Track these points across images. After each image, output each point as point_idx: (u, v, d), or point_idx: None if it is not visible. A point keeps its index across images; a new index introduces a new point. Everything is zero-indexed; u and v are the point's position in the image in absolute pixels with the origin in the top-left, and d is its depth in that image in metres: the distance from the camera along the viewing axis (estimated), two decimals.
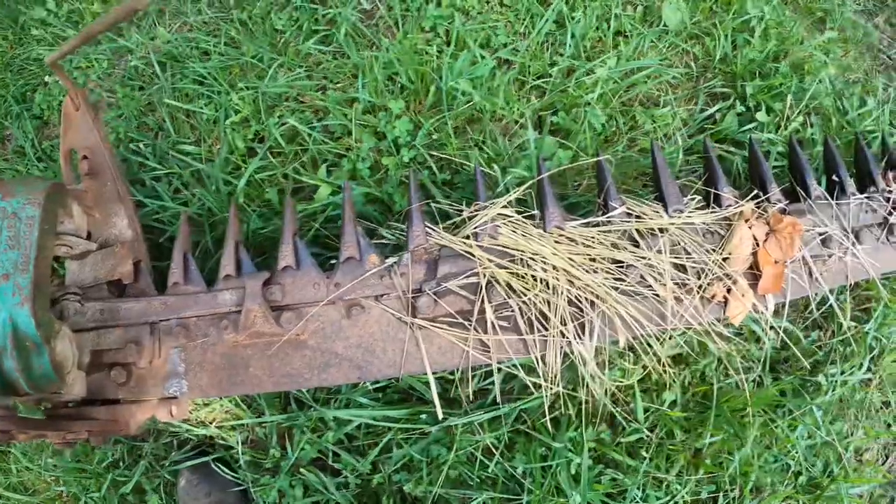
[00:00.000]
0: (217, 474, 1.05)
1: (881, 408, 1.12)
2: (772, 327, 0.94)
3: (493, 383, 0.90)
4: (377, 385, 0.92)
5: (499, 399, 0.82)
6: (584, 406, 0.86)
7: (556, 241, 0.83)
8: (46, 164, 1.26)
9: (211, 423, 1.04)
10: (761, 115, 1.04)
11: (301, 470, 0.92)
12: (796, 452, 0.99)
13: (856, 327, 1.03)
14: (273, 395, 0.98)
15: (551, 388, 0.79)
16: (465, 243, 0.80)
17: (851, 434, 1.08)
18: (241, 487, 1.03)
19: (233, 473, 1.02)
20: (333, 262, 0.84)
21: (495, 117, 0.98)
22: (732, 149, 1.04)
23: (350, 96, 1.00)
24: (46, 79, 1.34)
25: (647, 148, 1.01)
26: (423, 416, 0.87)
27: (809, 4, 1.19)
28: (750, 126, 1.04)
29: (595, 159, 0.86)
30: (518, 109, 0.98)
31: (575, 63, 1.01)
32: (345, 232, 0.83)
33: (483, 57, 1.00)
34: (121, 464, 1.10)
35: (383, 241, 0.86)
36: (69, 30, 1.35)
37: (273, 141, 1.01)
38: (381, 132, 0.97)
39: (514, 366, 0.80)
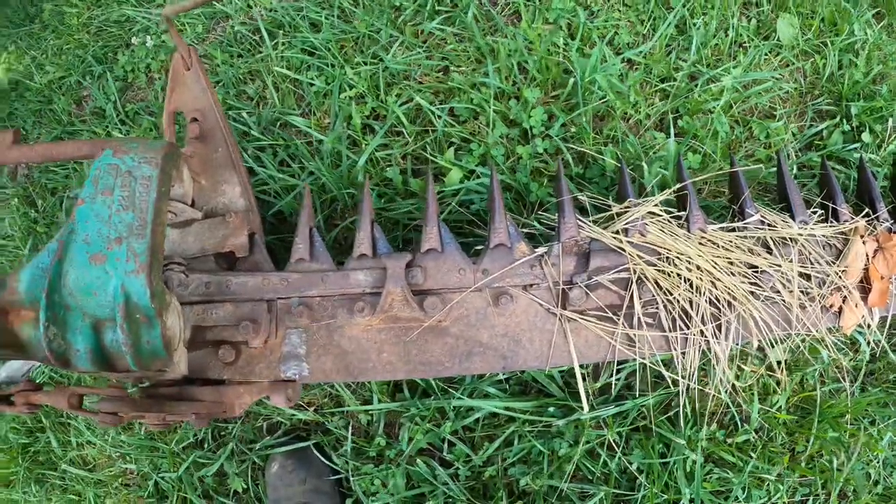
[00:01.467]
0: (313, 461, 1.03)
1: None
2: (873, 340, 0.99)
3: (616, 379, 0.92)
4: (497, 378, 0.92)
5: (637, 394, 0.83)
6: (709, 404, 0.89)
7: (700, 243, 0.85)
8: (129, 126, 1.20)
9: (309, 407, 1.02)
10: (865, 136, 1.09)
11: (416, 460, 0.92)
12: (878, 462, 1.05)
13: None
14: (385, 381, 0.97)
15: (687, 384, 0.82)
16: (616, 238, 0.81)
17: None
18: (339, 476, 1.01)
19: (331, 460, 1.00)
20: (478, 248, 0.84)
21: (624, 116, 0.99)
22: (838, 166, 1.08)
23: (478, 80, 0.99)
24: (133, 40, 1.28)
25: (761, 158, 1.04)
26: (551, 409, 0.88)
27: None
28: (854, 145, 1.09)
29: (736, 168, 0.89)
30: (644, 110, 1.00)
31: (699, 69, 1.04)
32: (495, 218, 0.82)
33: (610, 56, 1.01)
34: (204, 445, 1.07)
35: (524, 230, 0.86)
36: None
37: (395, 119, 0.99)
38: (512, 119, 0.97)
39: (657, 361, 0.81)
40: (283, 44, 1.12)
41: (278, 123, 1.07)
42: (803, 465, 0.99)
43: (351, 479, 0.99)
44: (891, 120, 1.14)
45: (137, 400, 0.82)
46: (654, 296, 0.82)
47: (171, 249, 0.95)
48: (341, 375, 0.87)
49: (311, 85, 1.08)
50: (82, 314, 0.69)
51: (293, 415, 1.04)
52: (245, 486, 1.07)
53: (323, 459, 1.01)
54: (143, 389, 0.88)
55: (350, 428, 0.99)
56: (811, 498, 1.01)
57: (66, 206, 1.25)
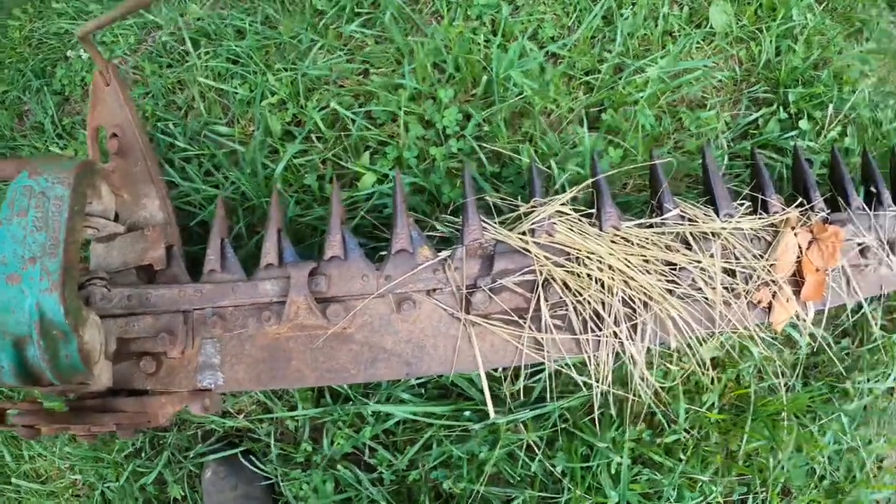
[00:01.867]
0: (244, 467, 1.04)
1: None
2: (810, 334, 0.96)
3: (535, 381, 0.91)
4: (418, 381, 0.92)
5: (548, 398, 0.82)
6: (628, 406, 0.87)
7: (612, 241, 0.83)
8: (66, 141, 1.21)
9: (239, 414, 1.02)
10: (804, 123, 1.05)
11: (336, 465, 0.92)
12: (822, 457, 1.02)
13: (884, 337, 1.06)
14: (307, 388, 0.96)
15: (601, 388, 0.80)
16: (522, 239, 0.80)
17: (872, 441, 1.12)
18: (269, 481, 1.01)
19: (260, 467, 1.00)
20: (382, 253, 0.83)
21: (544, 111, 0.97)
22: (774, 155, 1.05)
23: (395, 82, 0.98)
24: (69, 53, 1.29)
25: (691, 150, 1.02)
26: (467, 413, 0.87)
27: (849, 14, 1.21)
28: (792, 133, 1.06)
29: (651, 162, 0.87)
30: (566, 105, 0.98)
31: (624, 61, 1.02)
32: (396, 223, 0.81)
33: (532, 49, 0.99)
34: (142, 454, 1.08)
35: (432, 234, 0.85)
36: (92, 3, 1.29)
37: (312, 125, 0.99)
38: (428, 120, 0.96)
39: (567, 365, 0.80)
40: (208, 53, 1.11)
41: (203, 133, 1.07)
42: (741, 463, 0.97)
43: (281, 484, 1.00)
44: (831, 106, 1.10)
45: (55, 413, 0.83)
46: (562, 297, 0.81)
47: (96, 264, 0.95)
48: (254, 384, 0.86)
49: (236, 93, 1.08)
50: (3, 332, 0.71)
51: (224, 422, 1.04)
52: (183, 494, 1.07)
53: (252, 466, 1.01)
54: (70, 402, 0.89)
55: (277, 434, 0.99)
56: (750, 496, 0.99)
57: None
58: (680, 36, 1.07)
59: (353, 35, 1.05)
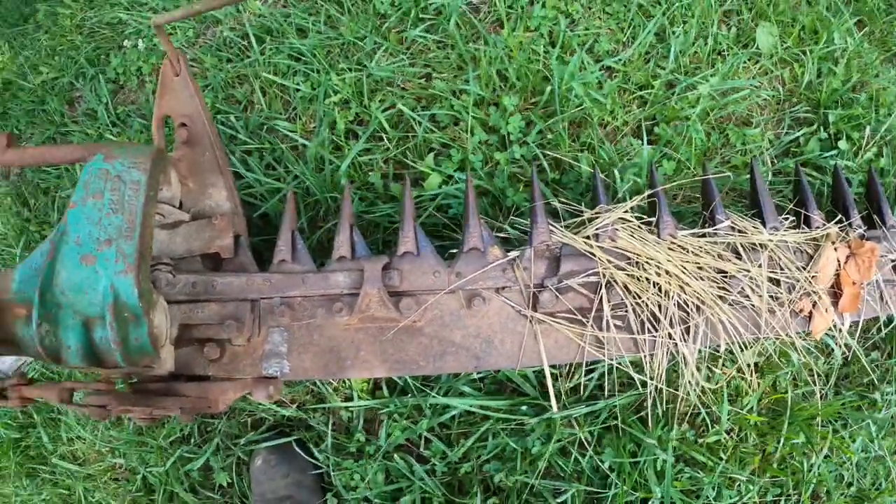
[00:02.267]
0: (295, 456, 1.07)
1: None
2: (845, 344, 1.02)
3: (588, 380, 0.95)
4: (472, 377, 0.96)
5: (605, 394, 0.86)
6: (679, 404, 0.91)
7: (670, 248, 0.88)
8: (120, 128, 1.24)
9: (292, 404, 1.06)
10: (842, 143, 1.11)
11: (394, 456, 0.95)
12: (850, 464, 1.07)
13: None
14: (364, 378, 1.00)
15: (655, 385, 0.84)
16: (587, 243, 0.84)
17: None
18: (320, 470, 1.05)
19: (310, 457, 1.04)
20: (452, 251, 0.87)
21: (601, 123, 1.02)
22: (814, 173, 1.11)
23: (459, 87, 1.02)
24: (125, 43, 1.32)
25: (737, 165, 1.07)
26: (524, 408, 0.91)
27: (885, 38, 1.27)
28: (831, 153, 1.11)
29: (707, 176, 0.92)
30: (622, 118, 1.03)
31: (676, 77, 1.07)
32: (469, 222, 0.86)
33: (589, 63, 1.04)
34: (191, 440, 1.11)
35: (499, 234, 0.89)
36: None
37: (377, 124, 1.03)
38: (491, 126, 1.00)
39: (625, 363, 0.84)
40: (271, 49, 1.15)
41: (265, 128, 1.10)
42: (775, 465, 1.02)
43: (332, 473, 1.03)
44: (868, 128, 1.16)
45: (125, 394, 0.86)
46: (622, 299, 0.85)
47: (159, 250, 0.98)
48: (320, 373, 0.90)
49: (297, 90, 1.12)
50: (73, 312, 0.72)
51: (277, 411, 1.07)
52: (230, 481, 1.10)
53: (304, 455, 1.05)
54: (132, 385, 0.91)
55: (331, 424, 1.03)
56: (783, 499, 1.04)
57: (59, 206, 1.29)
58: (728, 55, 1.12)
59: (415, 40, 1.09)
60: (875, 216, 1.09)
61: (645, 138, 0.99)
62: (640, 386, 0.86)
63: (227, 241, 0.94)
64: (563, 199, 0.89)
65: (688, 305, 0.87)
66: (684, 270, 0.87)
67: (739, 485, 0.99)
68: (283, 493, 1.07)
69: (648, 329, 0.85)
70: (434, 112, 1.02)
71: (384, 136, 1.03)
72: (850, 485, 1.10)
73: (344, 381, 1.03)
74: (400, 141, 1.03)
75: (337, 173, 1.00)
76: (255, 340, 0.90)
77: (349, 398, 1.01)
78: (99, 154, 0.80)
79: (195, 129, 1.02)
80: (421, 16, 1.11)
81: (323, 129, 1.05)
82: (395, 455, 0.96)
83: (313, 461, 1.04)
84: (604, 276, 0.84)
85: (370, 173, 1.00)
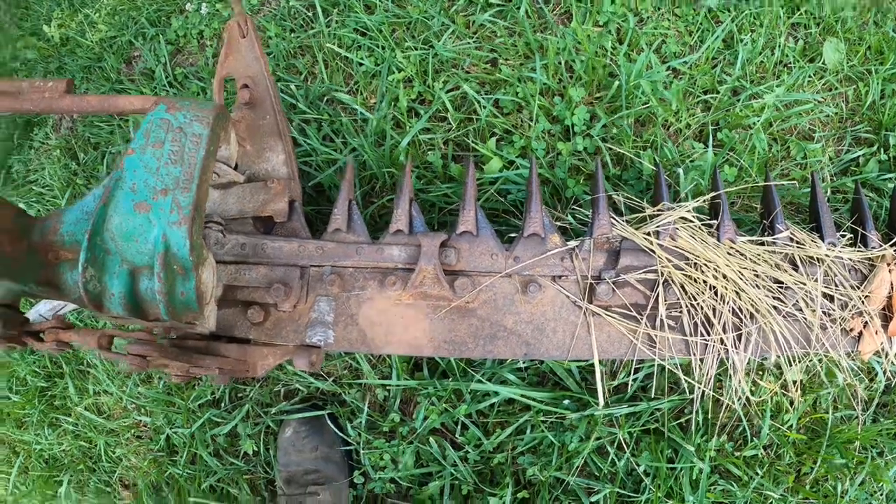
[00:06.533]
0: (326, 430, 1.10)
1: None
2: (890, 370, 1.04)
3: (634, 379, 0.98)
4: (517, 366, 0.98)
5: (653, 394, 0.89)
6: (722, 412, 0.94)
7: (728, 253, 0.91)
8: (177, 89, 1.29)
9: (328, 377, 1.09)
10: None
11: (429, 439, 0.98)
12: (882, 494, 1.10)
13: None
14: (405, 358, 1.03)
15: (703, 390, 0.87)
16: (647, 239, 0.87)
17: None
18: (349, 447, 1.08)
19: (341, 432, 1.07)
20: (511, 235, 0.90)
21: (665, 123, 1.05)
22: (871, 193, 1.14)
23: (525, 75, 1.06)
24: (187, 6, 1.36)
25: (796, 178, 1.10)
26: (566, 402, 0.94)
27: None
28: (889, 175, 1.14)
29: (771, 183, 0.95)
30: (685, 119, 1.06)
31: (742, 84, 1.10)
32: (531, 208, 0.89)
33: (656, 63, 1.07)
34: (220, 404, 1.14)
35: (558, 223, 0.92)
36: None
37: (440, 105, 1.06)
38: (555, 116, 1.03)
39: (674, 365, 0.87)
40: (336, 22, 1.19)
41: (325, 99, 1.14)
42: (808, 487, 1.04)
43: (361, 451, 1.06)
44: None
45: (167, 347, 0.89)
46: (678, 299, 0.88)
47: (210, 209, 1.02)
48: (366, 346, 0.93)
49: (361, 65, 1.16)
50: (121, 259, 0.75)
51: (311, 383, 1.10)
52: (256, 449, 1.14)
53: (336, 430, 1.07)
54: (171, 341, 0.94)
55: (367, 401, 1.06)
56: None
57: (108, 162, 1.33)
58: (794, 68, 1.15)
59: (483, 24, 1.13)
60: None
61: (710, 142, 1.02)
62: (686, 391, 0.89)
63: (281, 205, 0.98)
64: (624, 194, 0.92)
65: (742, 312, 0.90)
66: (741, 276, 0.90)
67: (771, 502, 1.02)
68: (310, 467, 1.11)
69: (701, 332, 0.88)
70: (498, 97, 1.05)
71: (447, 116, 1.07)
72: None
73: (384, 359, 1.06)
74: (462, 123, 1.06)
75: (396, 150, 1.04)
76: (300, 307, 0.93)
77: (387, 376, 1.05)
78: (162, 104, 0.83)
79: (257, 92, 1.06)
80: (490, 1, 1.15)
81: (384, 104, 1.08)
82: (430, 439, 0.99)
83: (343, 437, 1.08)
84: (662, 274, 0.87)
85: (429, 152, 1.04)
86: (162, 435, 1.21)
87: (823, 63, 1.22)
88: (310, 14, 1.24)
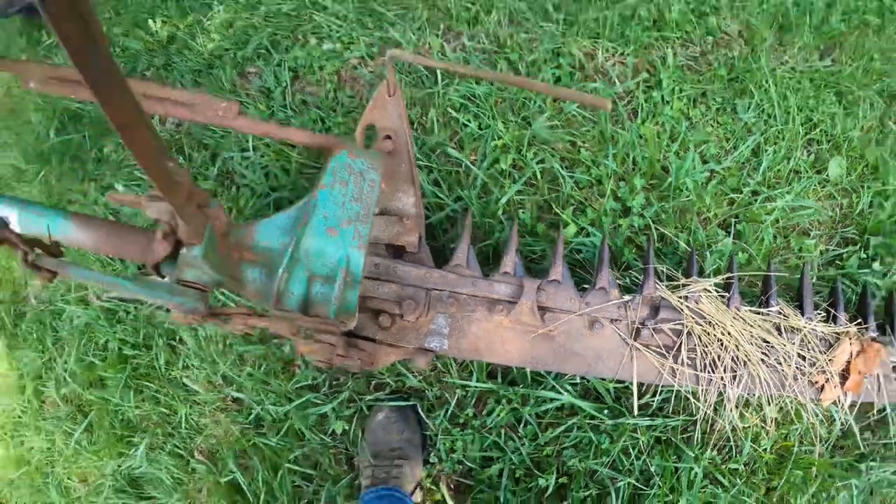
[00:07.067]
0: (411, 418, 1.69)
1: None
2: (845, 416, 1.74)
3: (654, 400, 1.64)
4: (572, 381, 1.64)
5: (670, 411, 1.56)
6: (715, 433, 1.62)
7: (734, 317, 1.58)
8: (293, 112, 1.88)
9: (417, 376, 1.72)
10: (876, 265, 1.83)
11: (500, 432, 1.62)
12: None
13: None
14: (484, 365, 1.67)
15: (706, 412, 1.54)
16: (679, 301, 1.54)
17: None
18: (426, 433, 1.70)
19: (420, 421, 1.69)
20: (584, 286, 1.56)
21: (699, 212, 1.73)
22: (848, 282, 1.83)
23: (599, 160, 1.72)
24: (311, 39, 1.96)
25: (791, 266, 1.80)
26: (605, 412, 1.60)
27: None
28: (866, 270, 1.84)
29: (770, 273, 1.64)
30: (714, 210, 1.74)
31: (761, 188, 1.79)
32: (602, 269, 1.52)
33: (699, 162, 1.76)
34: (320, 389, 1.75)
35: (618, 281, 1.59)
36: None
37: (531, 173, 1.71)
38: (619, 196, 1.70)
39: (689, 391, 1.54)
40: (450, 85, 1.82)
41: (437, 151, 1.78)
42: (774, 500, 1.72)
43: (438, 437, 1.68)
44: None
45: (347, 339, 1.48)
46: (696, 346, 1.55)
47: None
48: (471, 355, 1.53)
49: (466, 126, 1.79)
50: (306, 269, 1.33)
51: (401, 379, 1.72)
52: (345, 429, 1.74)
53: (421, 417, 1.70)
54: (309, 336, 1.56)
55: (455, 398, 1.68)
56: None
57: (219, 165, 1.91)
58: (804, 177, 1.84)
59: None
60: (888, 327, 1.83)
61: (733, 232, 1.70)
62: (694, 411, 1.56)
63: (413, 239, 1.57)
64: (666, 266, 1.60)
65: (738, 360, 1.57)
66: (741, 334, 1.58)
67: None
68: (395, 445, 1.69)
69: (708, 371, 1.55)
70: (576, 176, 1.71)
71: (535, 183, 1.72)
72: None
73: (466, 366, 1.70)
74: (548, 190, 1.72)
75: (496, 204, 1.68)
76: (422, 320, 1.53)
77: (466, 379, 1.68)
78: (344, 150, 1.41)
79: (398, 143, 1.67)
80: None
81: (486, 164, 1.73)
82: (501, 431, 1.63)
83: (422, 424, 1.70)
84: (686, 326, 1.54)
85: (521, 211, 1.68)
86: (253, 411, 1.80)
87: (828, 176, 1.92)
88: (428, 74, 1.87)
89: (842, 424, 1.67)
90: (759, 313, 1.56)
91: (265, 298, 1.19)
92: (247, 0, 2.15)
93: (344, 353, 1.34)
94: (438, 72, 1.74)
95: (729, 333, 1.50)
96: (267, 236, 1.23)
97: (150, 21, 2.35)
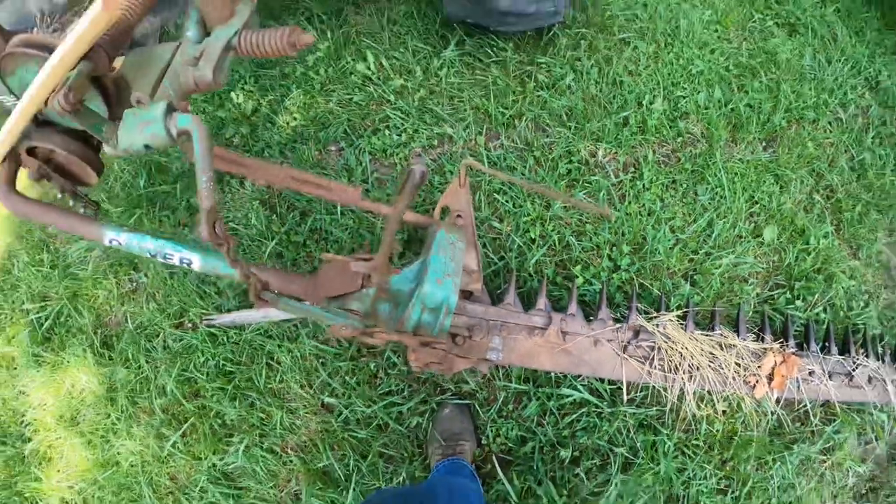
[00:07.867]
0: (468, 412, 2.51)
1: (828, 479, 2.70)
2: (774, 408, 2.52)
3: (637, 394, 2.44)
4: (582, 381, 2.45)
5: (648, 403, 2.37)
6: (679, 418, 2.42)
7: (690, 338, 2.40)
8: (372, 188, 2.74)
9: (469, 383, 2.54)
10: (799, 303, 2.63)
11: (533, 419, 2.43)
12: (773, 485, 2.56)
13: (819, 426, 2.61)
14: (521, 369, 2.48)
15: (672, 401, 2.33)
16: (653, 327, 2.36)
17: (797, 487, 2.65)
18: (477, 423, 2.51)
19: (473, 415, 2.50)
20: (590, 318, 2.39)
21: (667, 267, 2.57)
22: (777, 315, 2.63)
23: (599, 231, 2.57)
24: (384, 129, 2.84)
25: (734, 304, 2.61)
26: (605, 403, 2.40)
27: (850, 239, 2.83)
28: (791, 306, 2.64)
29: (716, 308, 2.45)
30: (677, 266, 2.57)
31: (712, 250, 2.62)
32: (602, 308, 2.35)
33: (668, 232, 2.60)
34: (398, 394, 2.55)
35: (613, 315, 2.43)
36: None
37: (552, 241, 2.56)
38: (612, 257, 2.55)
39: (662, 388, 2.34)
40: (494, 177, 2.69)
41: (485, 223, 2.64)
42: (728, 468, 2.50)
43: (487, 425, 2.49)
44: (817, 295, 2.70)
45: (453, 348, 2.33)
46: (664, 357, 2.36)
47: None
48: (517, 362, 2.32)
49: (504, 204, 2.66)
50: (421, 301, 2.16)
51: (459, 385, 2.54)
52: (420, 422, 2.55)
53: (474, 412, 2.52)
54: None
55: (502, 396, 2.49)
56: (729, 490, 2.51)
57: (310, 223, 2.75)
58: (745, 241, 2.65)
59: (574, 195, 2.65)
60: (804, 344, 2.64)
61: (690, 280, 2.53)
62: (665, 402, 2.37)
63: (478, 286, 2.41)
64: (644, 304, 2.43)
65: (693, 366, 2.39)
66: (695, 349, 2.39)
67: (706, 471, 2.47)
68: (457, 431, 2.50)
69: (672, 373, 2.36)
70: (582, 243, 2.56)
71: (555, 247, 2.57)
72: (769, 499, 2.58)
73: (507, 373, 2.52)
74: (563, 251, 2.56)
75: (527, 263, 2.53)
76: (483, 340, 2.37)
77: (508, 383, 2.50)
78: (442, 229, 2.30)
79: (465, 220, 2.56)
80: (584, 184, 2.68)
81: (519, 233, 2.59)
82: (533, 419, 2.43)
83: (474, 416, 2.51)
84: (657, 344, 2.35)
85: (547, 270, 2.53)
86: (339, 413, 2.57)
87: (762, 240, 2.73)
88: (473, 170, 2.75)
89: (774, 414, 2.45)
90: (707, 335, 2.39)
91: (390, 323, 2.03)
92: (321, 86, 3.03)
93: (442, 358, 2.19)
94: (486, 167, 2.61)
95: (687, 348, 2.33)
96: (398, 283, 2.06)
97: (233, 93, 2.87)
